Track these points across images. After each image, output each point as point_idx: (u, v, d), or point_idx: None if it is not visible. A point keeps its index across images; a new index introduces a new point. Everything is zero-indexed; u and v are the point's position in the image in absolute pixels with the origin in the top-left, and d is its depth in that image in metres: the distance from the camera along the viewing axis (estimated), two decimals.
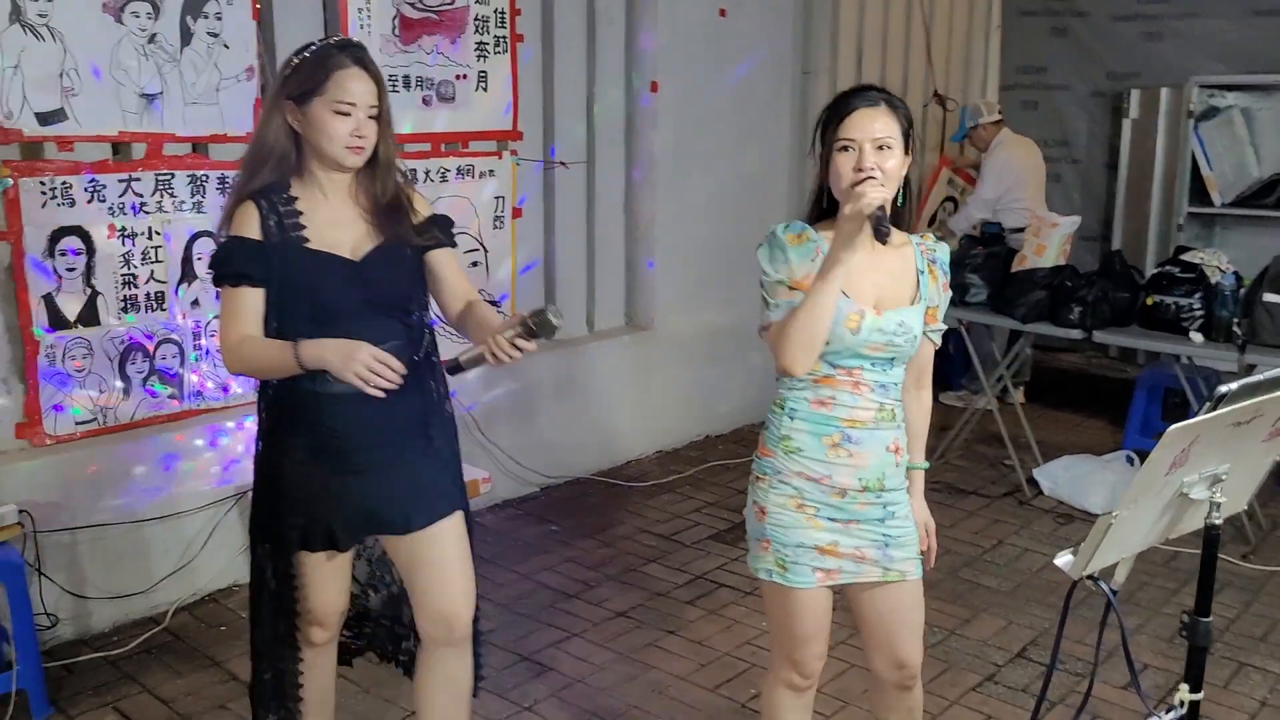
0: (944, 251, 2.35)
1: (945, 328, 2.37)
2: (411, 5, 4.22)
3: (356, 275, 2.26)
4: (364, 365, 2.08)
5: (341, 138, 2.19)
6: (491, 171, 4.63)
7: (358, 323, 2.23)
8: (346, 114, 2.18)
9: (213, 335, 3.85)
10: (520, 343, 2.15)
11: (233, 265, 2.22)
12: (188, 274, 3.78)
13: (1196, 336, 4.53)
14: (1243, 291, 4.54)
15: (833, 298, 2.11)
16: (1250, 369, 4.50)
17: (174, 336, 3.76)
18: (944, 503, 4.89)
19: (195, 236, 3.78)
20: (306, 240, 2.23)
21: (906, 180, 2.24)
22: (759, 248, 2.28)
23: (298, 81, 2.19)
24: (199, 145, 3.78)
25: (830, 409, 2.24)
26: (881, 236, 2.03)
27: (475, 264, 4.64)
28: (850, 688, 3.34)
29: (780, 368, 2.22)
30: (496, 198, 4.67)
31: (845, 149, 2.14)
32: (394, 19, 4.18)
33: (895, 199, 2.19)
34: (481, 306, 2.41)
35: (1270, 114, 6.33)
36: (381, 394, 2.13)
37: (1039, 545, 4.52)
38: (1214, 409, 1.54)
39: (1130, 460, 5.07)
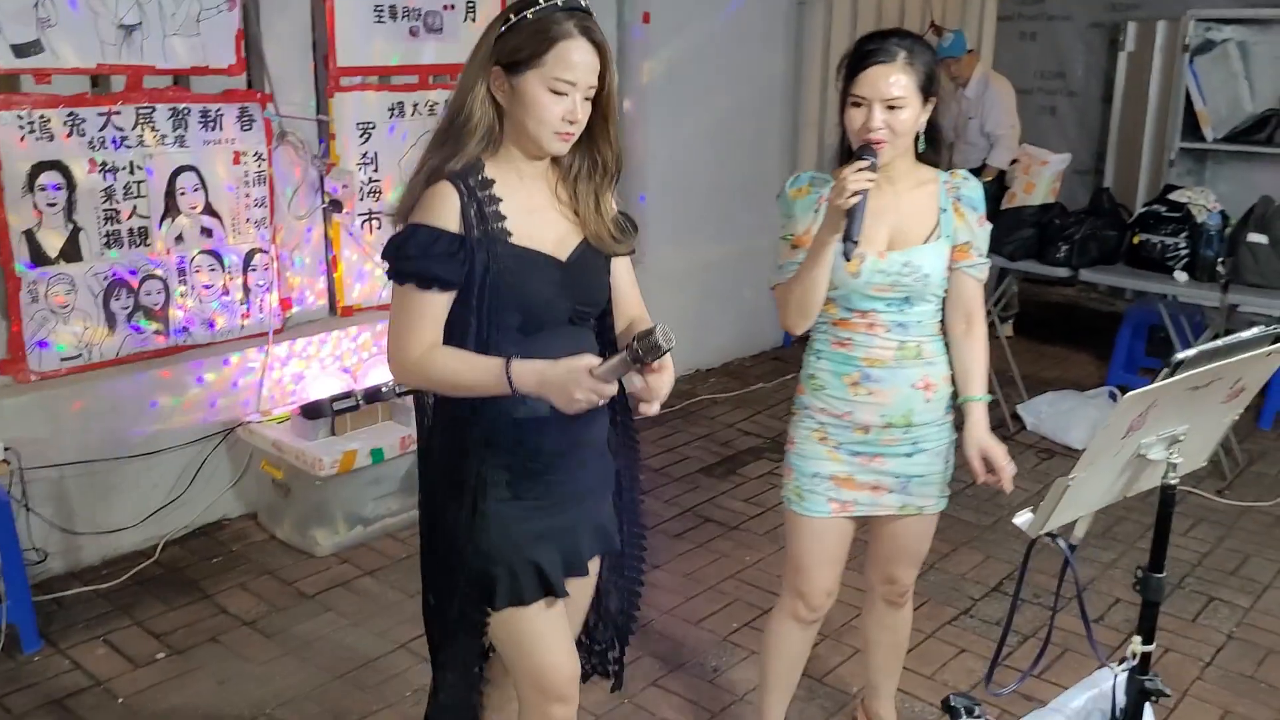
0: (970, 188, 2.33)
1: (987, 262, 2.34)
2: None
3: (566, 279, 1.90)
4: (586, 400, 1.72)
5: (552, 120, 1.82)
6: None
7: (562, 335, 1.90)
8: (563, 93, 1.80)
9: (197, 270, 3.86)
10: (636, 379, 1.77)
11: (427, 264, 1.81)
12: (171, 209, 3.76)
13: (1181, 275, 4.55)
14: (1228, 231, 4.55)
15: (823, 271, 2.16)
16: (1233, 309, 4.53)
17: (158, 272, 3.76)
18: None
19: (178, 171, 3.75)
20: (510, 234, 1.86)
21: (937, 125, 2.25)
22: (777, 198, 2.36)
23: (512, 46, 1.80)
24: (180, 78, 3.74)
25: (849, 349, 2.30)
26: (848, 250, 2.06)
27: None
28: (831, 619, 3.40)
29: (783, 327, 2.31)
30: None
31: (857, 104, 2.16)
32: None
33: (916, 144, 2.23)
34: (641, 326, 2.02)
35: (1265, 48, 6.26)
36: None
37: (1020, 481, 4.41)
38: (1171, 375, 1.56)
39: (1113, 396, 5.11)
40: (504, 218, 1.87)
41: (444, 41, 4.38)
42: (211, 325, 3.93)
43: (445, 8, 4.36)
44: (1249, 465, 4.73)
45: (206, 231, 3.86)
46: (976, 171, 5.56)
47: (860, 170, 2.05)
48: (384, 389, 4.00)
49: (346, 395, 3.92)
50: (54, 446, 3.51)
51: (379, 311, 4.37)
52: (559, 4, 1.80)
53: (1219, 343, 1.58)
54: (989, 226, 2.36)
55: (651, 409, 1.78)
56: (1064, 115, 7.30)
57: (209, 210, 3.85)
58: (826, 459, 2.35)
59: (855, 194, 2.03)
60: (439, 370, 1.84)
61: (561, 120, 1.82)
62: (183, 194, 3.77)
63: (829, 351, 2.33)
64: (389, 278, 1.89)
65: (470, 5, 4.43)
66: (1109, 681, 1.87)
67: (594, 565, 2.11)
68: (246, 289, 4.00)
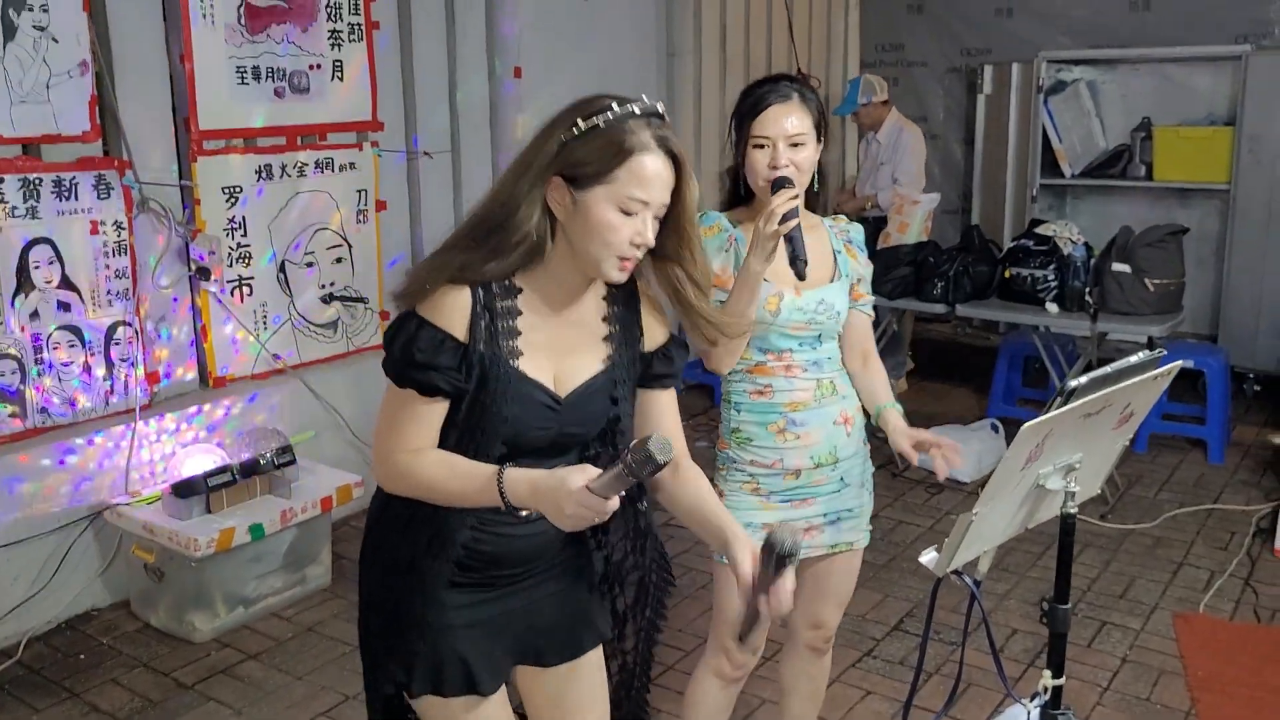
0: (858, 231, 2.46)
1: (873, 299, 2.46)
2: None
3: (556, 414, 1.75)
4: (578, 516, 1.56)
5: (619, 244, 1.63)
6: (352, 164, 4.48)
7: (543, 457, 1.76)
8: (634, 212, 1.63)
9: (55, 347, 3.64)
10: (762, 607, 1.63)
11: (428, 374, 1.66)
12: (24, 284, 3.54)
13: (1052, 307, 4.69)
14: (1093, 262, 4.72)
15: (752, 307, 2.16)
16: (1103, 336, 4.69)
17: (12, 351, 3.54)
18: None
19: (31, 244, 3.55)
20: (519, 355, 1.70)
21: (820, 166, 2.30)
22: None
23: (579, 157, 1.62)
24: (30, 146, 3.55)
25: (770, 397, 2.30)
26: (800, 270, 2.09)
27: (340, 260, 4.50)
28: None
29: (708, 368, 2.29)
30: (358, 191, 4.53)
31: (760, 146, 2.18)
32: (239, 7, 3.99)
33: (810, 186, 2.28)
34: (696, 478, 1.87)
35: (1113, 86, 6.59)
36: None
37: (912, 517, 4.63)
38: (1065, 403, 1.57)
39: (995, 428, 5.22)
40: (518, 334, 1.70)
41: (311, 102, 4.28)
42: (73, 405, 3.71)
43: (311, 67, 4.27)
44: (1128, 489, 4.87)
45: (64, 306, 3.66)
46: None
47: (789, 198, 2.08)
48: (262, 460, 3.83)
49: (222, 470, 3.74)
50: None
51: (252, 382, 4.20)
52: (634, 110, 1.63)
53: (1109, 369, 1.60)
54: (871, 267, 2.47)
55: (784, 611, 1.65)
56: (928, 157, 7.53)
57: (66, 284, 3.65)
58: (759, 509, 2.33)
59: (785, 218, 2.06)
60: (426, 475, 1.69)
61: (629, 244, 1.64)
62: (37, 268, 3.57)
63: (749, 403, 2.32)
64: (387, 373, 1.71)
65: (337, 64, 4.35)
66: (1022, 717, 1.86)
67: (587, 663, 1.95)
68: (110, 364, 3.79)
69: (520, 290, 1.71)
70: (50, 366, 3.64)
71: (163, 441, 3.90)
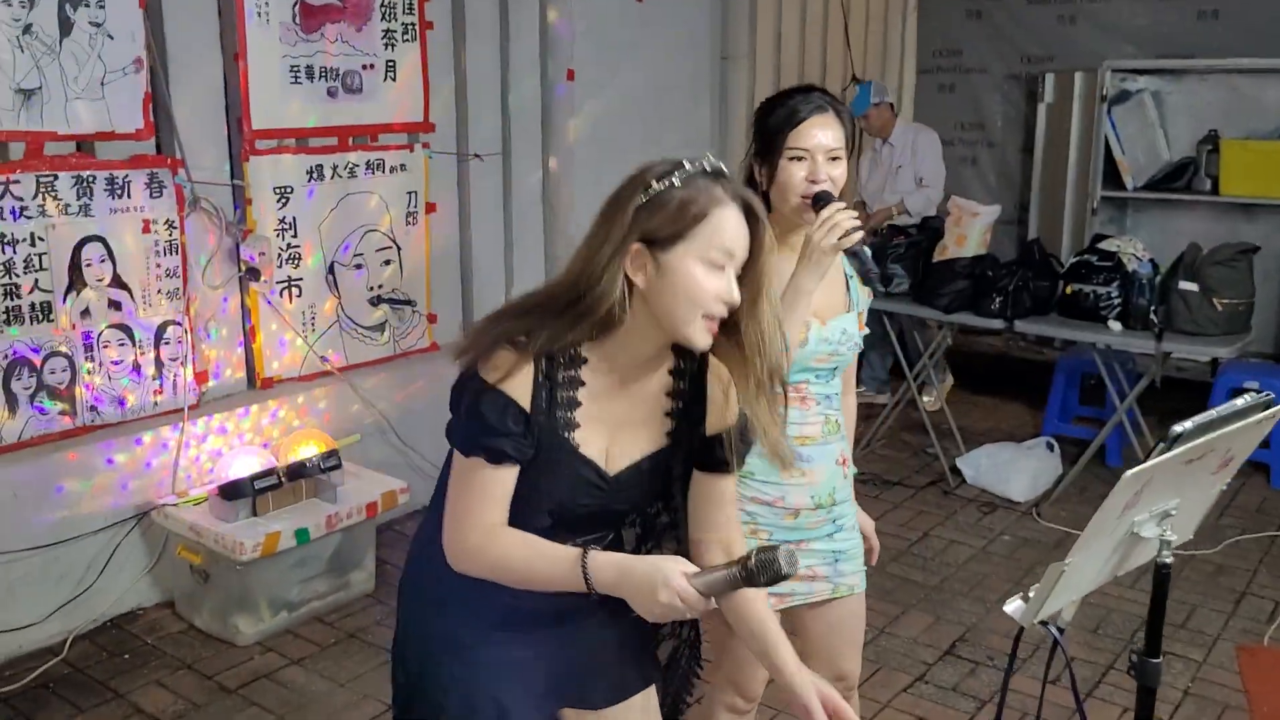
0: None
1: (867, 331, 2.32)
2: None
3: (603, 491, 1.71)
4: (669, 605, 1.52)
5: (706, 302, 1.57)
6: (403, 165, 4.44)
7: (587, 530, 1.73)
8: (721, 266, 1.58)
9: (105, 346, 3.63)
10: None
11: (497, 440, 1.61)
12: (76, 282, 3.54)
13: (1115, 325, 4.55)
14: (1158, 279, 4.58)
15: (796, 330, 2.03)
16: (1167, 356, 4.55)
17: (63, 349, 3.53)
18: (870, 494, 4.86)
19: (83, 242, 3.54)
20: (576, 426, 1.66)
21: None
22: None
23: (659, 217, 1.58)
24: (84, 144, 3.54)
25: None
26: (872, 280, 1.97)
27: (388, 262, 4.47)
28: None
29: None
30: (409, 193, 4.49)
31: (798, 159, 2.06)
32: (294, 6, 3.96)
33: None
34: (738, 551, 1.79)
35: (1178, 98, 6.41)
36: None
37: (964, 537, 4.52)
38: (1169, 449, 1.48)
39: (1050, 446, 5.10)
40: (578, 405, 1.66)
41: (363, 102, 4.24)
42: (122, 403, 3.70)
43: (365, 68, 4.23)
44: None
45: (115, 304, 3.64)
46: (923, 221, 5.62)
47: (835, 207, 1.97)
48: (308, 464, 3.79)
49: (268, 473, 3.71)
50: None
51: (300, 384, 4.17)
52: (705, 167, 1.61)
53: (1215, 413, 1.51)
54: (872, 297, 2.32)
55: None
56: (984, 165, 7.40)
57: (117, 282, 3.64)
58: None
59: (849, 231, 1.95)
60: (503, 556, 1.62)
61: (716, 301, 1.57)
62: (88, 266, 3.56)
63: None
64: (451, 441, 1.66)
65: (390, 64, 4.31)
66: None
67: (637, 699, 1.89)
68: (159, 364, 3.78)
69: (585, 360, 1.65)
70: (100, 365, 3.63)
71: (210, 442, 3.88)
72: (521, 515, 1.65)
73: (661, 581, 1.49)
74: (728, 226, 1.58)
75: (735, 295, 1.59)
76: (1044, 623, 1.59)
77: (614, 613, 1.71)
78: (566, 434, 1.64)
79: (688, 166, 1.60)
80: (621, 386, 1.68)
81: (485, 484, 1.62)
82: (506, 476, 1.63)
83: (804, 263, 2.00)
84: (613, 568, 1.55)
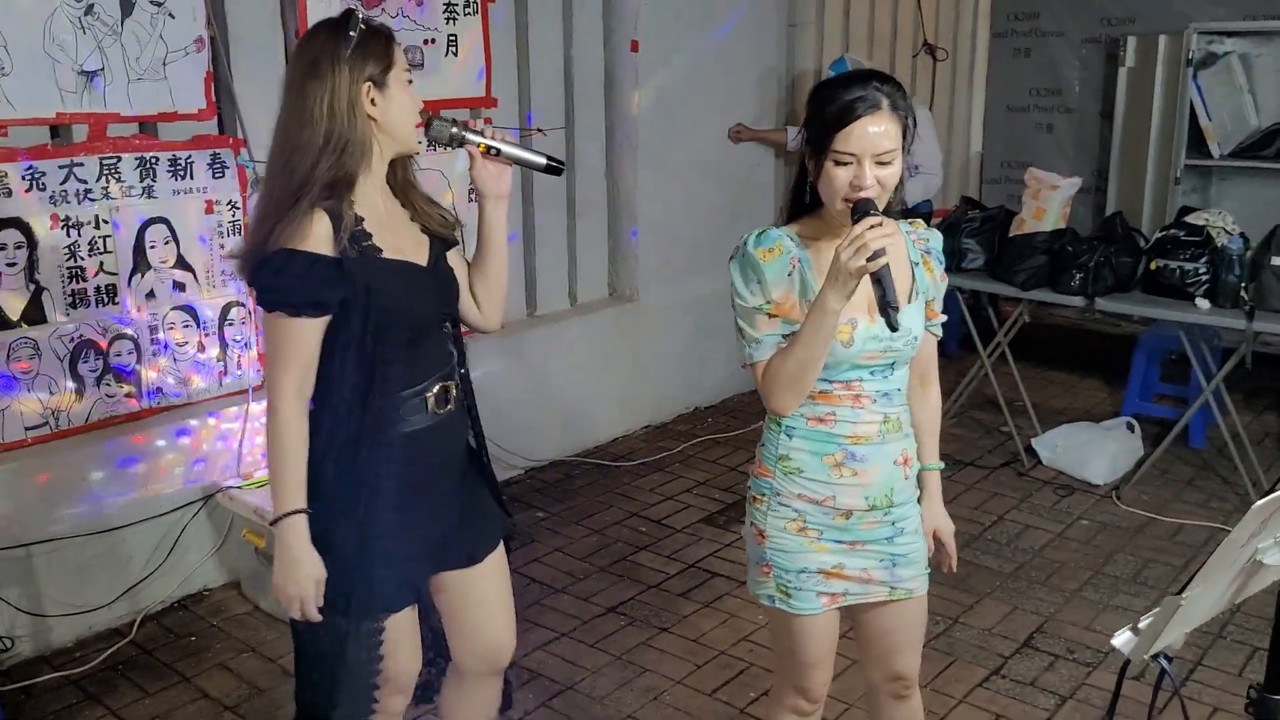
0: (938, 240, 2.18)
1: (945, 319, 2.20)
2: None
3: (433, 279, 2.05)
4: (305, 604, 1.97)
5: (415, 111, 2.00)
6: None
7: (435, 338, 2.08)
8: (411, 81, 2.00)
9: (170, 328, 3.63)
10: None
11: (304, 289, 1.88)
12: (140, 264, 3.53)
13: (1203, 303, 4.35)
14: (1249, 255, 4.36)
15: (826, 346, 1.92)
16: (1257, 335, 4.34)
17: (128, 332, 3.53)
18: (942, 476, 4.72)
19: (147, 223, 3.53)
20: (380, 250, 1.95)
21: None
22: (730, 261, 2.09)
23: (366, 55, 1.93)
24: (146, 125, 3.52)
25: (831, 426, 2.05)
26: (891, 319, 1.82)
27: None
28: (852, 689, 3.18)
29: (770, 410, 2.06)
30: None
31: (843, 163, 1.91)
32: None
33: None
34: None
35: (1268, 60, 6.09)
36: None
37: (1040, 521, 4.38)
38: None
39: (1131, 427, 4.92)
40: (369, 235, 1.94)
41: (425, 77, 4.17)
42: (187, 385, 3.70)
43: (426, 42, 4.16)
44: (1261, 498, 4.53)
45: (179, 286, 3.64)
46: (913, 210, 5.33)
47: (875, 226, 1.81)
48: None
49: None
50: (19, 524, 3.27)
51: None
52: (353, 14, 1.96)
53: None
54: (947, 281, 2.20)
55: None
56: (1061, 132, 7.14)
57: (181, 264, 3.63)
58: (811, 551, 2.09)
59: (876, 253, 1.79)
60: (283, 446, 1.93)
61: (416, 105, 2.00)
62: (152, 248, 3.55)
63: (805, 429, 2.06)
64: (264, 307, 1.96)
65: (452, 38, 4.23)
66: None
67: (496, 558, 2.25)
68: (223, 345, 3.77)
69: (354, 202, 1.96)
70: (165, 346, 3.63)
71: None
72: (386, 340, 1.94)
73: (309, 574, 1.94)
74: (398, 48, 1.99)
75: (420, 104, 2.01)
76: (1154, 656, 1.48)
77: (476, 474, 2.21)
78: (377, 254, 1.94)
79: (360, 13, 1.97)
80: (382, 210, 2.00)
81: (294, 338, 1.90)
82: (311, 328, 1.91)
83: (829, 280, 1.85)
84: (290, 531, 1.94)
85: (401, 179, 2.07)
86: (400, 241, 2.00)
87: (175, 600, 3.68)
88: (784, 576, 2.11)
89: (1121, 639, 1.42)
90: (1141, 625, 1.39)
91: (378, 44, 1.94)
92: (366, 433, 1.95)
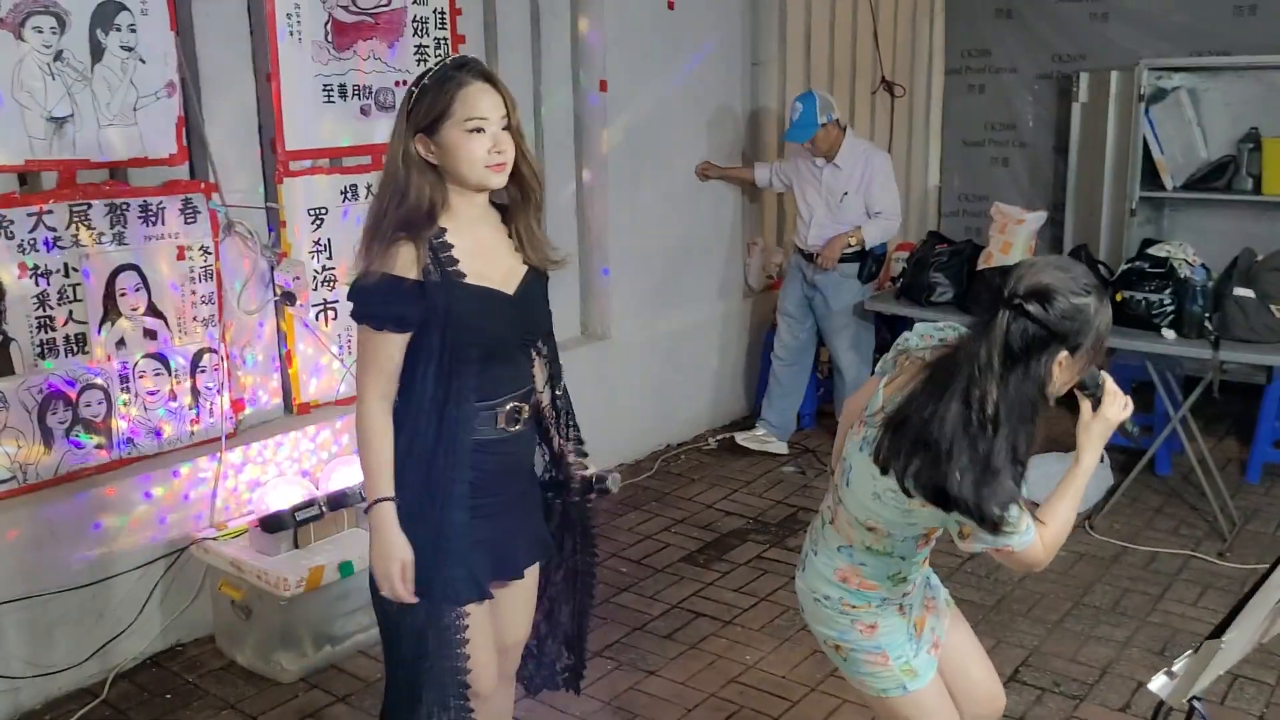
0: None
1: None
2: (344, 8, 3.91)
3: (515, 306, 2.21)
4: (392, 583, 2.13)
5: (480, 157, 2.09)
6: None
7: (514, 359, 2.26)
8: (480, 130, 2.08)
9: (141, 376, 3.54)
10: None
11: (388, 306, 2.10)
12: (110, 312, 3.45)
13: (1169, 333, 4.43)
14: (1211, 285, 4.45)
15: (1077, 507, 2.12)
16: (1223, 365, 4.43)
17: (98, 381, 3.44)
18: None
19: (118, 271, 3.45)
20: (463, 275, 2.13)
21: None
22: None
23: (419, 112, 2.09)
24: (117, 171, 3.46)
25: (931, 540, 2.22)
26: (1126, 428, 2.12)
27: None
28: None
29: (1027, 571, 2.17)
30: None
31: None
32: (326, 24, 3.86)
33: None
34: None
35: (1215, 95, 6.26)
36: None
37: None
38: None
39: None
40: (457, 261, 2.12)
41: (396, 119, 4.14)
42: (159, 434, 3.61)
43: (397, 84, 4.13)
44: (1245, 524, 4.61)
45: (150, 334, 3.56)
46: (869, 252, 5.20)
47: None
48: (349, 493, 3.70)
49: (309, 504, 3.62)
50: None
51: (338, 408, 4.08)
52: (447, 63, 2.13)
53: None
54: None
55: None
56: (1016, 167, 7.26)
57: (152, 311, 3.55)
58: (908, 622, 2.26)
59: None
60: (369, 439, 2.14)
61: (490, 153, 2.09)
62: (123, 295, 3.47)
63: (911, 549, 2.18)
64: (356, 320, 2.15)
65: None
66: None
67: (532, 573, 2.42)
68: (195, 392, 3.69)
69: (445, 230, 2.16)
70: (136, 396, 3.54)
71: (248, 471, 3.79)
72: (460, 356, 2.12)
73: (395, 556, 2.12)
74: (476, 99, 2.08)
75: (502, 145, 2.11)
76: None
77: (532, 492, 2.39)
78: (460, 280, 2.11)
79: (433, 68, 2.12)
80: (477, 240, 2.17)
81: (377, 349, 2.12)
82: (395, 342, 2.12)
83: (1097, 446, 2.07)
84: (383, 516, 2.12)
85: (520, 219, 2.24)
86: (489, 269, 2.16)
87: (148, 656, 3.57)
88: (902, 660, 2.20)
89: (1158, 683, 1.42)
90: (1176, 669, 1.39)
91: (432, 98, 2.08)
92: (443, 438, 2.14)
